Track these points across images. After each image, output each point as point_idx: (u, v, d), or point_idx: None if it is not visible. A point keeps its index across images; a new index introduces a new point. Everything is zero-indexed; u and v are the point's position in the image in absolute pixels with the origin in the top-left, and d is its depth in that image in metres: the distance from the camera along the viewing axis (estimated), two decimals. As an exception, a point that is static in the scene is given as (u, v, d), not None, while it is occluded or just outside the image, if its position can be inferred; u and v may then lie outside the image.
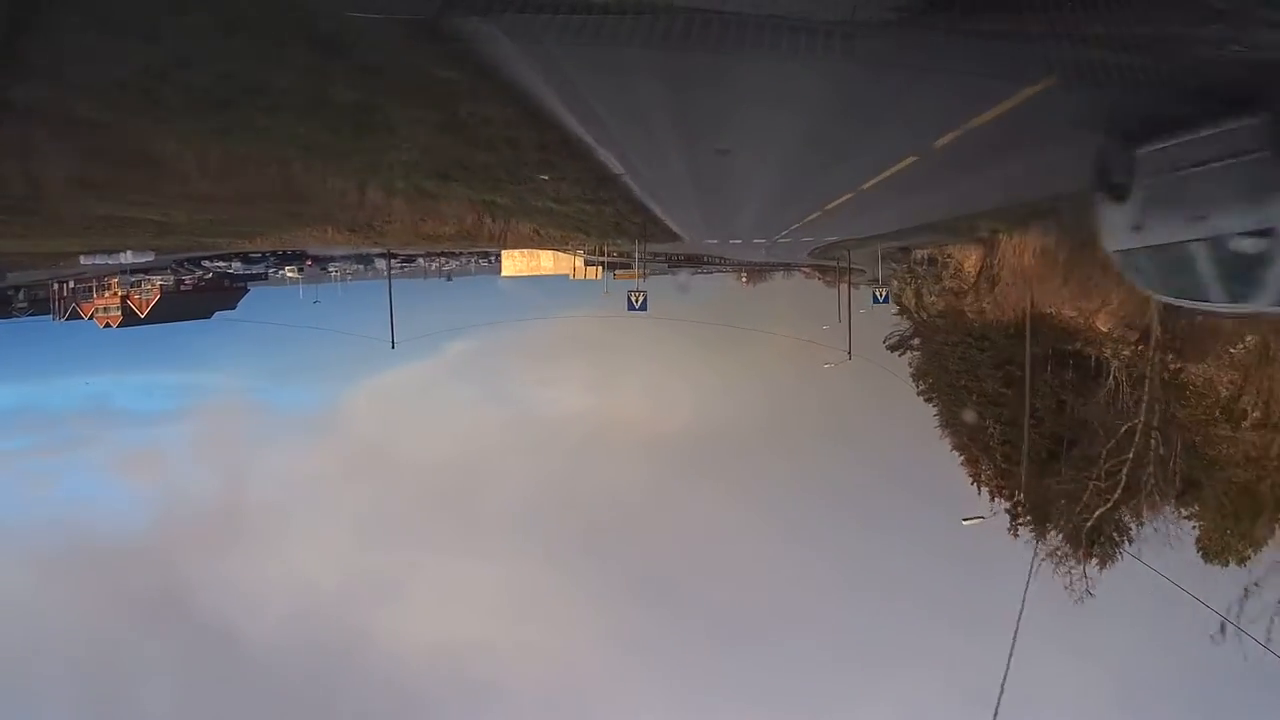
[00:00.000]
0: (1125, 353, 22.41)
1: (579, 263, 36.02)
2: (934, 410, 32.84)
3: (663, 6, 5.21)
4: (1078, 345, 24.00)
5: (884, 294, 30.89)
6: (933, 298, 33.16)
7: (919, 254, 33.46)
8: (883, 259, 35.02)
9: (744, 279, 58.43)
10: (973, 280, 28.02)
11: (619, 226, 23.50)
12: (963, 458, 29.84)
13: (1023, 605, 19.79)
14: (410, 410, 38.12)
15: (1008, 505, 26.94)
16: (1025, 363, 24.30)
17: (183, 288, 32.34)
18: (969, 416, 29.71)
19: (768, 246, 28.00)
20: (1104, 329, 22.55)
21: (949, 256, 30.92)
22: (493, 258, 33.82)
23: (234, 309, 33.51)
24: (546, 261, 35.56)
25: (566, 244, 32.75)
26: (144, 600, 30.39)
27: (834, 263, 36.72)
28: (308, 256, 33.52)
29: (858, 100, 7.49)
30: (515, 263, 33.55)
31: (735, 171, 11.66)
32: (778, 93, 7.23)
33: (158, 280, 31.53)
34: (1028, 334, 23.95)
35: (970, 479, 28.91)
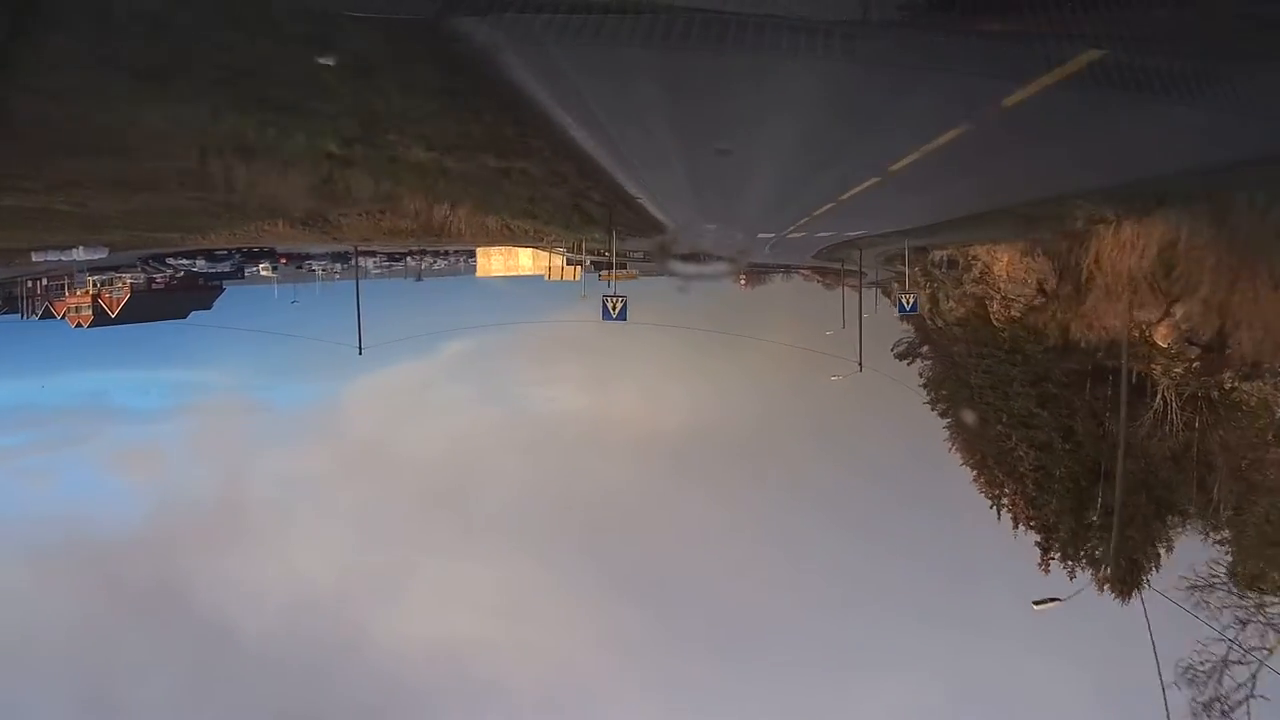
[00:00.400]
0: (1178, 370, 22.49)
1: (557, 261, 36.37)
2: (945, 423, 33.33)
3: (663, 6, 5.96)
4: (1123, 360, 23.64)
5: (912, 301, 30.37)
6: (951, 303, 33.82)
7: (937, 255, 33.76)
8: (889, 260, 35.50)
9: (743, 281, 60.10)
10: (1044, 289, 26.84)
11: (580, 210, 22.15)
12: (978, 476, 30.49)
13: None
14: (372, 419, 40.57)
15: (1038, 539, 27.62)
16: (1118, 396, 23.38)
17: (154, 286, 34.08)
18: (986, 431, 29.81)
19: (775, 242, 28.16)
20: (1163, 343, 22.35)
21: (974, 258, 30.88)
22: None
23: (210, 309, 35.39)
24: (525, 260, 36.19)
25: (542, 239, 33.18)
26: (140, 595, 33.68)
27: (839, 265, 37.50)
28: (280, 254, 35.24)
29: (869, 93, 8.28)
30: (492, 262, 34.19)
31: (738, 169, 12.43)
32: (780, 91, 8.02)
33: (128, 278, 33.38)
34: (1124, 360, 22.86)
35: (989, 502, 29.54)
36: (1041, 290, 27.24)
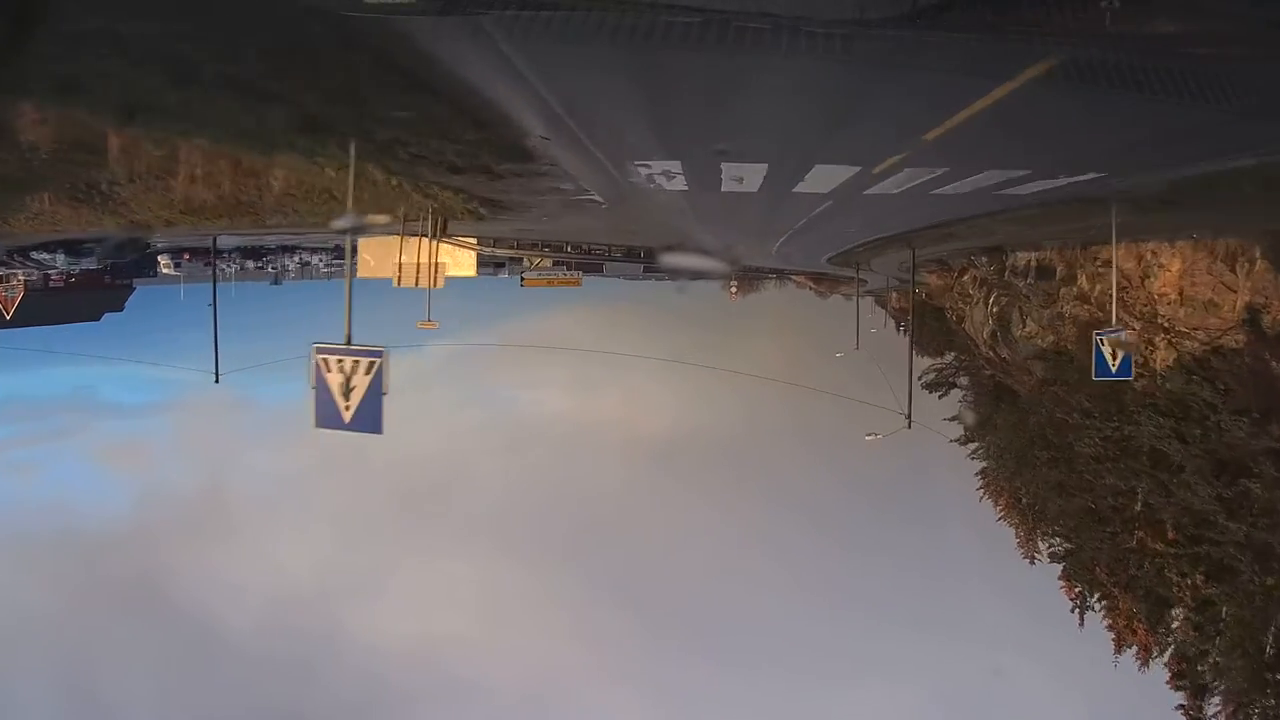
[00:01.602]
0: None
1: (436, 257, 35.41)
2: (981, 468, 37.39)
3: (663, 5, 9.14)
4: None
5: (1120, 356, 20.43)
6: (1031, 327, 35.83)
7: (1020, 259, 34.89)
8: (905, 266, 37.78)
9: (733, 288, 64.54)
10: (1257, 319, 24.30)
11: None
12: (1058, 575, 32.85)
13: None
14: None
15: (1185, 702, 28.29)
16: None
17: (51, 284, 41.29)
18: (1071, 504, 32.37)
19: (822, 212, 25.01)
20: None
21: (1102, 264, 28.74)
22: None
23: (122, 310, 44.16)
24: (409, 256, 37.34)
25: (395, 213, 31.68)
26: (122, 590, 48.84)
27: (853, 271, 40.42)
28: (183, 250, 42.94)
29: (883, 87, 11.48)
30: (373, 258, 35.74)
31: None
32: (779, 91, 11.33)
33: (21, 275, 40.49)
34: None
35: (1070, 602, 32.28)
36: (1252, 320, 24.34)
